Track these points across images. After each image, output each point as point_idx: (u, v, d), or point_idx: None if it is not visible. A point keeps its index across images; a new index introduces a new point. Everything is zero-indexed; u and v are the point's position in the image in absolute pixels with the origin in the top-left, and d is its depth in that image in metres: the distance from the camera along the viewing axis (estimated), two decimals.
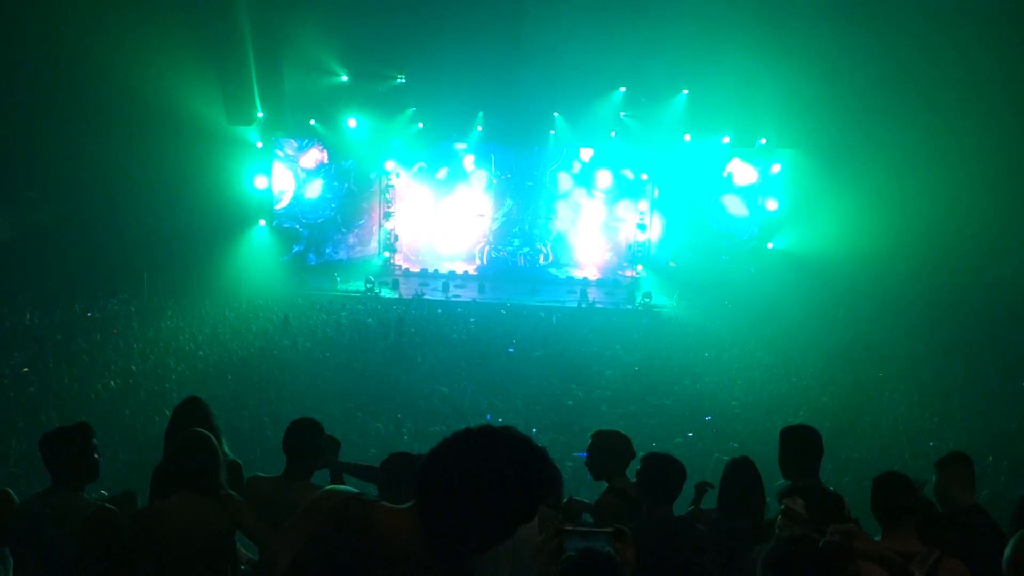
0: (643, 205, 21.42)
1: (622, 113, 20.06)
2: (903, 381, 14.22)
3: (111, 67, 15.68)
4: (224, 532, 3.80)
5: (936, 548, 3.42)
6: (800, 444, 4.31)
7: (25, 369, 12.23)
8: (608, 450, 4.59)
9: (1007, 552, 2.15)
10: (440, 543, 1.93)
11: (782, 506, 3.53)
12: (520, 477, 1.91)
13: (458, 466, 1.91)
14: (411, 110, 20.25)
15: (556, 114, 20.31)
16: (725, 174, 21.22)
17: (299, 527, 2.08)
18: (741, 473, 4.17)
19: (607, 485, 4.52)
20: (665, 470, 3.97)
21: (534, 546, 2.13)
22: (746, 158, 20.98)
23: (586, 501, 4.62)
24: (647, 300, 19.45)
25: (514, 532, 1.96)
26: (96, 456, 3.82)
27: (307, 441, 4.19)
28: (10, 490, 4.03)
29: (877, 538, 3.63)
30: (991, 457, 10.70)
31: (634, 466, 4.26)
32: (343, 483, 4.36)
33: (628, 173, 21.56)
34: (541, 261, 22.01)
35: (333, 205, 21.39)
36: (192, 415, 4.26)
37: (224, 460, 4.18)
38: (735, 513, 4.08)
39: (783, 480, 4.31)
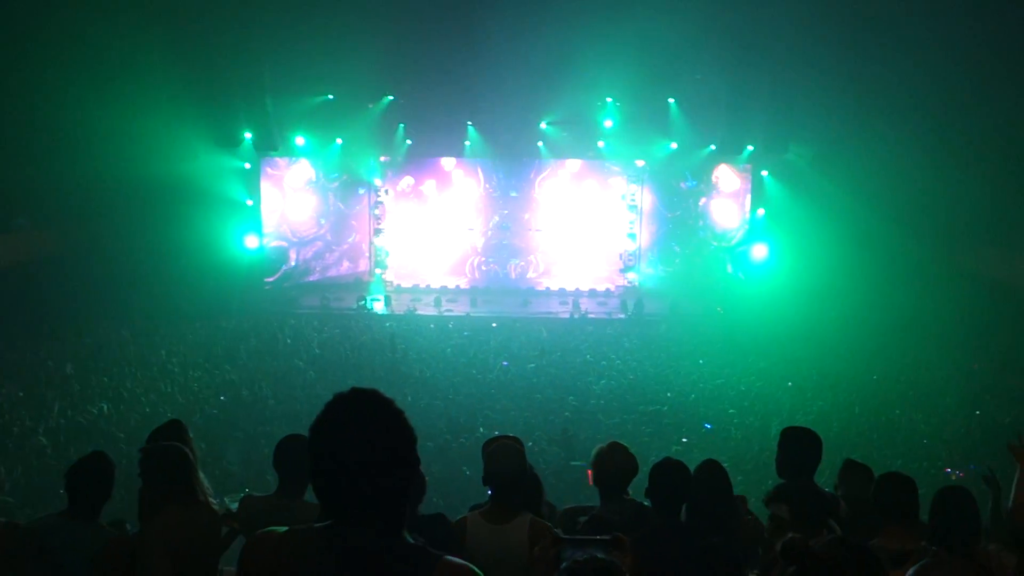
0: (632, 214, 21.46)
1: (608, 122, 20.09)
2: (898, 382, 14.26)
3: (94, 96, 15.69)
4: (214, 538, 3.81)
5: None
6: (798, 446, 4.31)
7: (20, 394, 12.18)
8: (596, 465, 4.52)
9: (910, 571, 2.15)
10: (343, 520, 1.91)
11: (770, 512, 3.53)
12: (350, 421, 1.91)
13: (316, 437, 1.94)
14: (400, 126, 20.29)
15: (543, 125, 20.37)
16: (713, 181, 21.30)
17: None
18: (706, 478, 4.12)
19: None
20: (670, 476, 3.95)
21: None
22: (733, 165, 21.05)
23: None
24: (639, 309, 19.45)
25: (399, 490, 1.92)
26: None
27: (296, 457, 4.18)
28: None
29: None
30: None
31: (639, 483, 4.20)
32: None
33: (617, 183, 21.62)
34: (532, 273, 22.01)
35: (322, 222, 21.37)
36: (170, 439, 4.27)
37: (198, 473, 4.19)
38: (702, 518, 4.02)
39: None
